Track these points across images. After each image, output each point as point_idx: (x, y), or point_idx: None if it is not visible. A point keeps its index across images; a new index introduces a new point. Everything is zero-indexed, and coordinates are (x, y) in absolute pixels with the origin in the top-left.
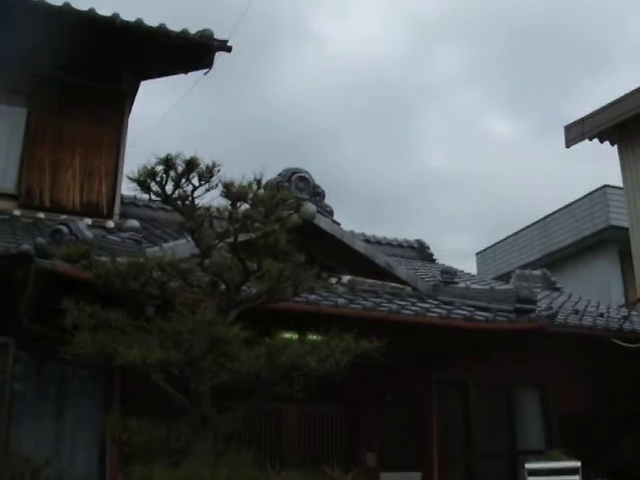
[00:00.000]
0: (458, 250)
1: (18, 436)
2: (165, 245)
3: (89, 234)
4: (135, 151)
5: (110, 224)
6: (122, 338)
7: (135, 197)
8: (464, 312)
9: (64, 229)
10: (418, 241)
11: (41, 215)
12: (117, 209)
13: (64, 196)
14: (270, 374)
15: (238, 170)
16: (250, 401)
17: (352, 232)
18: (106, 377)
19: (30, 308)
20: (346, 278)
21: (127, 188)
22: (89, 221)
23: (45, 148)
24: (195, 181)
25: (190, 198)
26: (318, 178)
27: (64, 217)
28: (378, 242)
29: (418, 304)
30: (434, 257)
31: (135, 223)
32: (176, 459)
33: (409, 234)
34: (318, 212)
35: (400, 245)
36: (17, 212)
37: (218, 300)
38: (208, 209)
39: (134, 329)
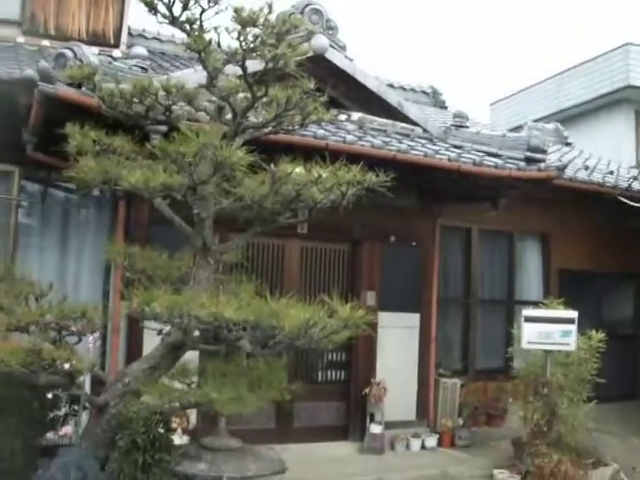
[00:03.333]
0: (472, 99)
1: (22, 263)
2: (172, 74)
3: (94, 59)
4: None
5: (117, 53)
6: (126, 164)
7: (143, 29)
8: (474, 157)
9: (68, 53)
10: (431, 87)
11: (46, 43)
12: (124, 38)
13: (69, 23)
14: (274, 203)
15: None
16: (252, 230)
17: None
18: (110, 205)
19: (34, 136)
20: (356, 115)
21: (135, 17)
22: (95, 50)
23: None
24: (204, 3)
25: (198, 21)
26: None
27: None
28: (390, 85)
29: (428, 146)
30: (446, 105)
31: (142, 51)
32: (177, 286)
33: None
34: (331, 46)
35: (413, 90)
36: (21, 39)
37: (223, 126)
38: (216, 29)
39: (138, 155)
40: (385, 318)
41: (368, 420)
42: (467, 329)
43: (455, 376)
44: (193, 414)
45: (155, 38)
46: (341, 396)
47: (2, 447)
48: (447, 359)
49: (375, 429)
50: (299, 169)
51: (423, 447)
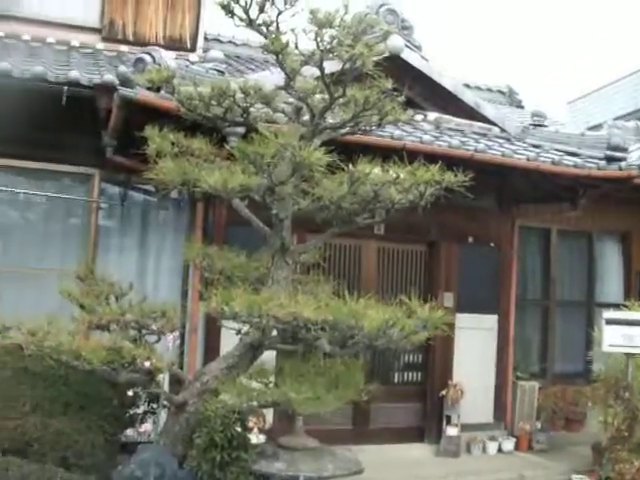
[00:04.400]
0: (548, 98)
1: (103, 263)
2: (248, 77)
3: (172, 63)
4: None
5: (193, 57)
6: (204, 165)
7: (218, 34)
8: (552, 156)
9: (147, 57)
10: (507, 86)
11: (124, 48)
12: (200, 43)
13: (147, 29)
14: (352, 203)
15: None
16: (330, 231)
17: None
18: (188, 207)
19: (113, 139)
20: (433, 115)
21: (211, 22)
22: (172, 54)
23: None
24: (280, 5)
25: (275, 23)
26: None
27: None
28: (466, 85)
29: (505, 145)
30: (523, 104)
31: (219, 54)
32: (255, 286)
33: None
34: (406, 46)
35: (489, 89)
36: (100, 45)
37: (301, 127)
38: (293, 30)
39: (216, 157)
40: (462, 319)
41: (444, 422)
42: (545, 331)
43: (533, 379)
44: (269, 414)
45: (230, 42)
46: (417, 398)
47: (84, 443)
48: (525, 362)
49: (451, 431)
50: (377, 169)
51: (500, 450)
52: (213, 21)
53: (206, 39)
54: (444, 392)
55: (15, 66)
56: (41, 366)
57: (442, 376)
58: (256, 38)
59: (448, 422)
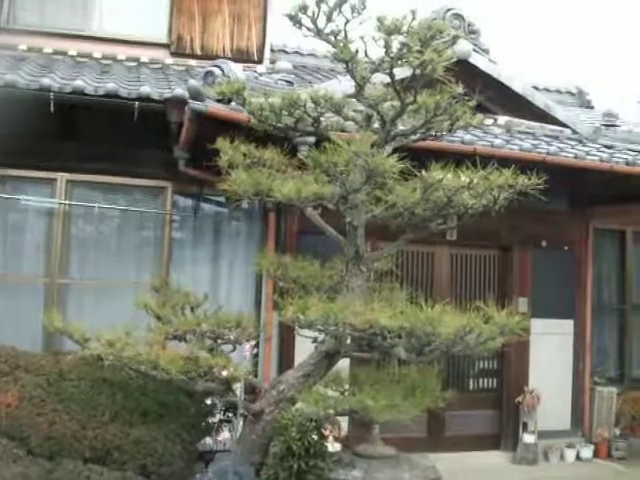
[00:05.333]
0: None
1: (177, 274)
2: (316, 86)
3: (241, 75)
4: None
5: (261, 69)
6: (277, 175)
7: (284, 44)
8: (626, 156)
9: (216, 70)
10: (577, 87)
11: (192, 62)
12: (267, 54)
13: (214, 43)
14: (425, 210)
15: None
16: (404, 238)
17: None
18: (260, 217)
19: (185, 151)
20: (503, 119)
21: (276, 33)
22: (240, 66)
23: None
24: (347, 14)
25: (342, 32)
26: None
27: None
28: (534, 87)
29: (577, 147)
30: (592, 104)
31: (287, 65)
32: (329, 294)
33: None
34: (474, 50)
35: (558, 91)
36: (169, 60)
37: (373, 134)
38: (362, 38)
39: (288, 167)
40: (537, 325)
41: (521, 429)
42: (622, 336)
43: (610, 385)
44: (344, 422)
45: (296, 52)
46: (492, 404)
47: (162, 451)
48: (602, 367)
49: (528, 439)
50: (450, 175)
51: (578, 458)
52: (279, 32)
53: (272, 50)
54: (520, 399)
55: (88, 83)
56: (119, 376)
57: (518, 382)
58: (322, 48)
59: (525, 429)
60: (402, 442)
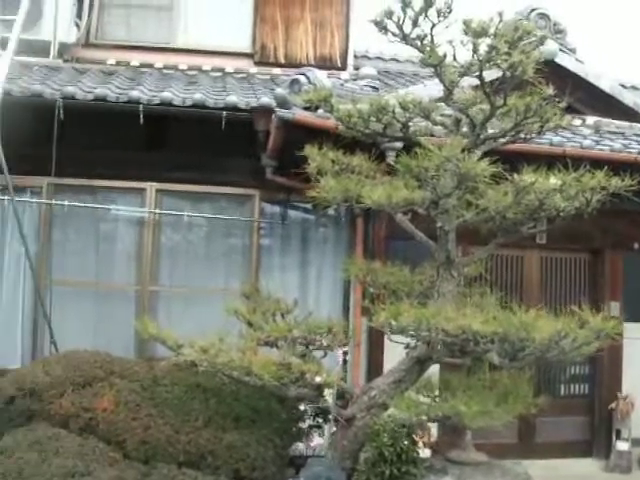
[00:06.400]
0: None
1: (265, 281)
2: (403, 91)
3: (327, 82)
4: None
5: (345, 75)
6: (366, 181)
7: (366, 50)
8: None
9: (302, 78)
10: None
11: (276, 71)
12: (350, 60)
13: (297, 51)
14: (516, 213)
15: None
16: (495, 242)
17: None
18: (347, 223)
19: (272, 159)
20: (591, 119)
21: (358, 39)
22: (324, 74)
23: (276, 5)
24: (433, 18)
25: (429, 36)
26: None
27: (296, 71)
28: (622, 85)
29: None
30: None
31: (372, 70)
32: (419, 300)
33: None
34: (560, 50)
35: None
36: (253, 70)
37: (462, 138)
38: (450, 42)
39: (377, 173)
40: (630, 329)
41: (614, 436)
42: None
43: None
44: (433, 428)
45: (378, 58)
46: (584, 411)
47: (255, 456)
48: None
49: (621, 446)
50: (542, 178)
51: None
52: (360, 38)
53: (355, 56)
54: (613, 405)
55: (176, 95)
56: (212, 382)
57: (610, 388)
58: (404, 53)
59: (618, 436)
60: (492, 448)
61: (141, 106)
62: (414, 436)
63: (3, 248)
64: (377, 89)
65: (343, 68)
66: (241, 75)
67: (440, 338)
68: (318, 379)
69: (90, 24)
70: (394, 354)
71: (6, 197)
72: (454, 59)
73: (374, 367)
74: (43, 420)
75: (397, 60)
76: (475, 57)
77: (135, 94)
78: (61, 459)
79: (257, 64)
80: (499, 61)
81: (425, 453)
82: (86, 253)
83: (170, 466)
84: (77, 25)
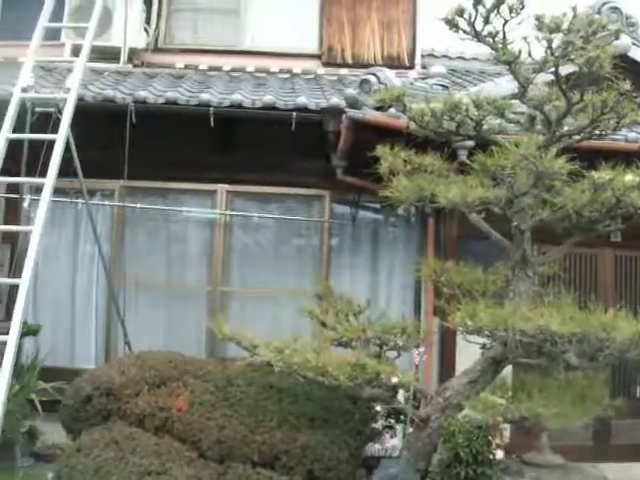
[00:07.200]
0: None
1: (336, 281)
2: (474, 89)
3: (397, 81)
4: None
5: (413, 74)
6: (439, 180)
7: (432, 49)
8: None
9: (372, 78)
10: None
11: (343, 71)
12: (418, 59)
13: (364, 51)
14: (592, 211)
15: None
16: (570, 241)
17: None
18: (418, 223)
19: (343, 160)
20: None
21: (424, 38)
22: (393, 73)
23: (342, 5)
24: (505, 15)
25: (501, 33)
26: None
27: (365, 71)
28: None
29: None
30: None
31: (441, 69)
32: (493, 300)
33: None
34: (633, 44)
35: None
36: (321, 71)
37: (537, 135)
38: (525, 39)
39: (450, 171)
40: None
41: None
42: None
43: None
44: (506, 429)
45: (444, 56)
46: None
47: (329, 457)
48: None
49: None
50: (621, 175)
51: None
52: (425, 36)
53: (421, 55)
54: None
55: (245, 97)
56: (286, 382)
57: None
58: (470, 50)
59: None
60: (566, 450)
61: (211, 109)
62: (490, 438)
63: (77, 250)
64: (447, 87)
65: (411, 67)
66: (309, 76)
67: (517, 338)
68: (394, 380)
69: (159, 29)
70: (467, 354)
71: (80, 200)
72: (529, 56)
73: (446, 368)
74: (119, 419)
75: (463, 58)
76: (549, 53)
77: (205, 97)
78: (138, 457)
79: (324, 65)
80: (574, 56)
81: (498, 455)
82: (158, 254)
83: (245, 466)
84: (146, 31)
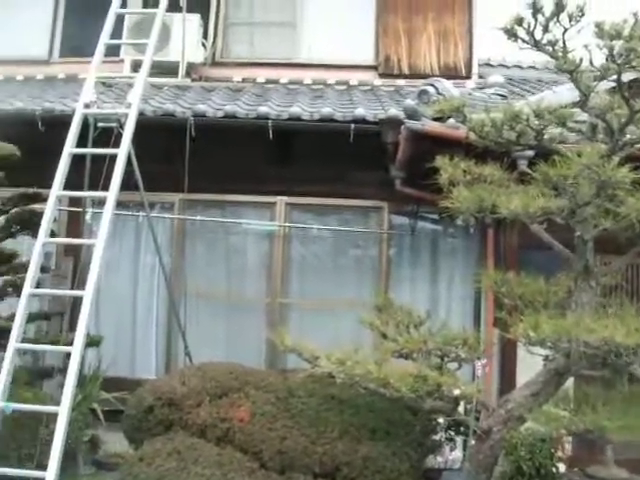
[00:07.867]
0: None
1: (395, 293)
2: (531, 98)
3: (456, 92)
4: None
5: (470, 84)
6: (499, 191)
7: (489, 58)
8: None
9: (430, 89)
10: None
11: (400, 82)
12: (475, 69)
13: (421, 61)
14: None
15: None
16: (634, 251)
17: None
18: (477, 234)
19: (401, 171)
20: None
21: (480, 47)
22: (450, 83)
23: (398, 16)
24: (565, 23)
25: (560, 41)
26: None
27: (423, 82)
28: None
29: None
30: None
31: (499, 78)
32: (557, 311)
33: None
34: None
35: None
36: (377, 82)
37: (600, 144)
38: (586, 47)
39: (510, 182)
40: None
41: None
42: None
43: None
44: (568, 442)
45: (501, 65)
46: None
47: (391, 469)
48: None
49: None
50: None
51: None
52: (481, 45)
53: (478, 64)
54: None
55: (304, 109)
56: (347, 393)
57: None
58: (527, 59)
59: None
60: (631, 464)
61: (270, 121)
62: (553, 451)
63: (138, 262)
64: (505, 97)
65: (468, 77)
66: (366, 87)
67: (581, 350)
68: (456, 392)
69: (216, 44)
70: (528, 365)
71: (141, 213)
72: (591, 64)
73: (506, 379)
74: (181, 429)
75: (520, 67)
76: (610, 60)
77: (264, 110)
78: (200, 468)
79: (381, 76)
80: (635, 63)
81: (561, 468)
82: (217, 266)
83: (306, 477)
84: (203, 45)
